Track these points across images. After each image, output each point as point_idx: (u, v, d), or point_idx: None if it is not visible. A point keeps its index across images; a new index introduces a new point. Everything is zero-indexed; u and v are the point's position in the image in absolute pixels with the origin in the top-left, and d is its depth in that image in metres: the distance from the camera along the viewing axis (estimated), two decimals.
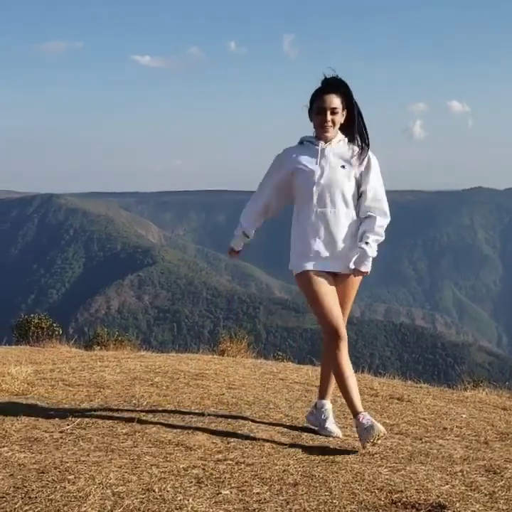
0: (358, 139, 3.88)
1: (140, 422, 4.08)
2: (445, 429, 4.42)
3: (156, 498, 2.73)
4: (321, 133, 3.83)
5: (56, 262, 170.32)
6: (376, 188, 3.84)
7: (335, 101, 3.77)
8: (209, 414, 4.36)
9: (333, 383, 4.08)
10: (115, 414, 4.29)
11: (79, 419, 4.04)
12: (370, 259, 3.78)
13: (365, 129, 3.89)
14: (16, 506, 2.64)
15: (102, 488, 2.82)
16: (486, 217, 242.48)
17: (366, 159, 3.84)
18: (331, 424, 4.04)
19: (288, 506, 2.71)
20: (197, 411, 4.46)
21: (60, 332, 11.69)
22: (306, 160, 3.82)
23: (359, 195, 3.84)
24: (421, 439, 4.06)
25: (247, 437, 3.82)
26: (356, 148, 3.85)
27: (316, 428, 4.07)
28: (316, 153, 3.82)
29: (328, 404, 4.12)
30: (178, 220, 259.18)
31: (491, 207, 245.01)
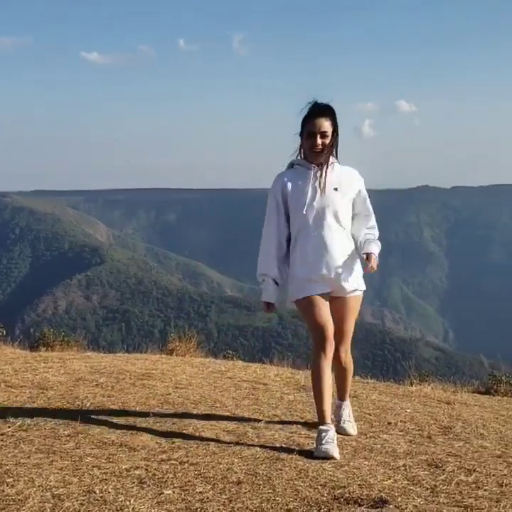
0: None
1: (83, 423, 4.02)
2: (389, 423, 4.48)
3: (97, 500, 2.68)
4: (311, 157, 3.82)
5: (1, 261, 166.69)
6: (367, 198, 3.93)
7: (325, 124, 3.77)
8: (154, 415, 4.32)
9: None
10: (58, 416, 4.22)
11: (20, 421, 3.96)
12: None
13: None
14: None
15: (42, 490, 2.76)
16: (433, 216, 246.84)
17: (358, 179, 3.91)
18: (346, 423, 4.12)
19: (231, 505, 2.70)
20: (142, 411, 4.42)
21: (4, 333, 11.44)
22: (299, 184, 3.82)
23: (353, 216, 3.89)
24: (365, 435, 4.11)
25: (192, 437, 3.80)
26: (348, 169, 3.90)
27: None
28: (309, 177, 3.81)
29: (345, 405, 4.20)
30: (127, 219, 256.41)
31: (437, 205, 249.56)
